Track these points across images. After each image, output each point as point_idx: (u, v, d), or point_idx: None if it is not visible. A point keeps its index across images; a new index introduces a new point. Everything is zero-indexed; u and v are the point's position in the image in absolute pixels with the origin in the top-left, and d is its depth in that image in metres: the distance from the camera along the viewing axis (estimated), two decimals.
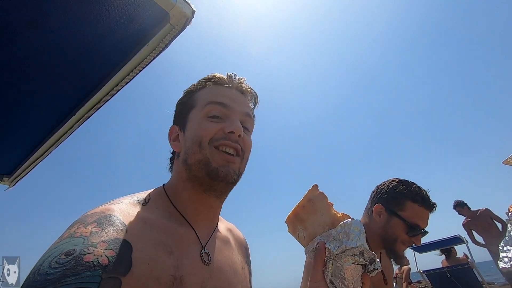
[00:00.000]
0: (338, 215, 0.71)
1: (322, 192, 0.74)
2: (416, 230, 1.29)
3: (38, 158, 1.60)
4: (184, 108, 0.80)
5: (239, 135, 0.73)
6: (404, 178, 1.43)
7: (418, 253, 7.50)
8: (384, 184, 1.44)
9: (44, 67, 1.12)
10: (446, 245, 6.32)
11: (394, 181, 1.41)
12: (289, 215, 0.77)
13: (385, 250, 1.36)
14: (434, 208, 1.35)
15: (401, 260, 1.35)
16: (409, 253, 7.82)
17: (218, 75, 0.82)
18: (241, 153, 0.75)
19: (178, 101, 0.85)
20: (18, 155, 1.66)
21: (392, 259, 1.39)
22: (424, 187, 1.40)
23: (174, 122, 0.83)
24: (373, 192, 1.48)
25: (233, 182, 0.73)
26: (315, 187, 0.74)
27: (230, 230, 0.90)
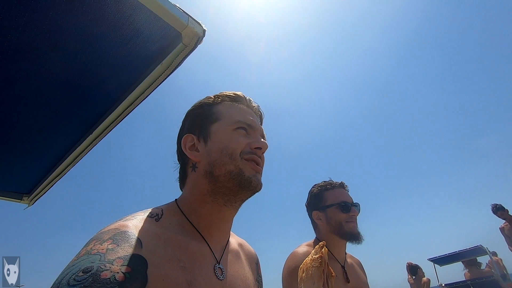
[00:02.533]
0: None
1: (320, 257, 0.72)
2: (346, 205, 1.48)
3: (56, 177, 1.66)
4: (204, 120, 0.82)
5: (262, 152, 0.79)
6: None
7: (439, 266, 7.19)
8: (307, 198, 1.67)
9: (64, 88, 1.18)
10: (468, 256, 6.05)
11: (311, 189, 1.66)
12: (301, 266, 0.77)
13: (343, 238, 1.48)
14: (343, 185, 1.59)
15: (359, 237, 1.47)
16: (429, 265, 7.50)
17: (238, 93, 0.87)
18: (260, 169, 0.80)
19: (192, 111, 0.86)
20: (37, 174, 1.72)
21: (354, 243, 1.49)
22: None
23: (188, 131, 0.83)
24: (305, 208, 1.69)
25: (258, 191, 0.77)
26: (319, 247, 0.74)
27: (241, 245, 0.91)
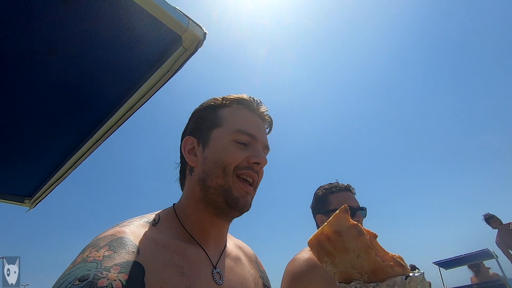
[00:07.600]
0: (383, 264, 0.53)
1: (355, 225, 0.54)
2: (350, 210, 1.39)
3: (57, 180, 1.65)
4: (206, 123, 0.79)
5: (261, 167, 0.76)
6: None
7: (444, 269, 7.10)
8: (312, 200, 1.62)
9: (63, 92, 1.17)
10: (474, 260, 5.97)
11: (316, 191, 1.61)
12: (311, 239, 0.61)
13: None
14: (350, 189, 1.54)
15: None
16: (434, 269, 7.41)
17: (245, 97, 0.82)
18: (255, 183, 0.78)
19: (196, 112, 0.84)
20: (38, 177, 1.72)
21: None
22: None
23: (190, 133, 0.81)
24: (311, 210, 1.64)
25: (246, 211, 0.75)
26: (343, 211, 0.56)
27: (239, 247, 0.91)
